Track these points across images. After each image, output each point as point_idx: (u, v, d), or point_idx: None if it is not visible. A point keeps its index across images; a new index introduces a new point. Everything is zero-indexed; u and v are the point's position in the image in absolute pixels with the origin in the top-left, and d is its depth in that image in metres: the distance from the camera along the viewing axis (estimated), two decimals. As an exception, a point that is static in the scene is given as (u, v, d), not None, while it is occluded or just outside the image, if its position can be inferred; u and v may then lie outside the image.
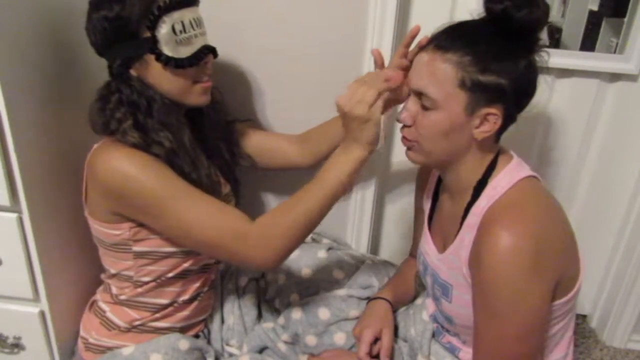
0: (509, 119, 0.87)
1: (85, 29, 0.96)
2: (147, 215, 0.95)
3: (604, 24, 1.25)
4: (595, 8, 1.24)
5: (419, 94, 0.87)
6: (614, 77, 1.31)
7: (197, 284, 1.10)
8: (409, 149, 0.93)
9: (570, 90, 1.33)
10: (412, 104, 0.90)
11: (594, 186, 1.44)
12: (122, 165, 0.91)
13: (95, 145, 0.99)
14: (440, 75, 0.84)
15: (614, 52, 1.27)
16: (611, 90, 1.33)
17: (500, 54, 0.83)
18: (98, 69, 1.07)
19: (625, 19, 1.24)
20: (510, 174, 0.90)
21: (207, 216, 0.94)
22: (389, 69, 0.98)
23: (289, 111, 1.39)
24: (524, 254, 0.80)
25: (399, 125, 0.94)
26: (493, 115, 0.85)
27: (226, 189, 1.16)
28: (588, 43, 1.27)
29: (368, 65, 1.30)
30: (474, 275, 0.88)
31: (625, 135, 1.36)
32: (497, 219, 0.85)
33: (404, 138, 0.93)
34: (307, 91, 1.36)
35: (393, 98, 0.96)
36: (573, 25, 1.26)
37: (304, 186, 0.94)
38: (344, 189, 0.93)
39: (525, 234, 0.81)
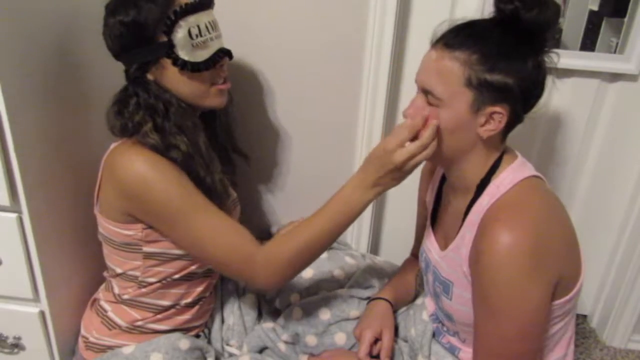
0: (515, 118, 0.87)
1: (102, 34, 0.96)
2: (161, 223, 0.96)
3: (604, 24, 1.25)
4: (595, 8, 1.24)
5: (426, 92, 0.87)
6: (614, 77, 1.31)
7: (200, 288, 1.10)
8: None
9: (570, 90, 1.33)
10: (419, 100, 0.89)
11: (594, 186, 1.44)
12: (145, 170, 0.92)
13: (114, 145, 0.99)
14: (447, 73, 0.84)
15: (614, 52, 1.27)
16: (611, 90, 1.33)
17: (509, 54, 0.83)
18: (99, 70, 1.07)
19: (625, 19, 1.24)
20: (513, 173, 0.90)
21: (220, 234, 0.95)
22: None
23: (290, 110, 1.39)
24: (523, 253, 0.80)
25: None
26: (498, 114, 0.85)
27: (233, 193, 1.16)
28: (588, 43, 1.27)
29: (368, 66, 1.30)
30: (474, 274, 0.88)
31: (625, 135, 1.36)
32: (497, 217, 0.85)
33: None
34: (308, 90, 1.36)
35: None
36: (573, 25, 1.26)
37: (313, 215, 0.96)
38: (350, 224, 0.95)
39: (525, 233, 0.81)
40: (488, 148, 0.90)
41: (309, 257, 0.97)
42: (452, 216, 0.99)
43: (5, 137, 0.91)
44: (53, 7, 1.01)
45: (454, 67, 0.83)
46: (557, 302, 0.88)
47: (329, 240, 0.96)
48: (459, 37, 0.85)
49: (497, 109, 0.84)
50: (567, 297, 0.89)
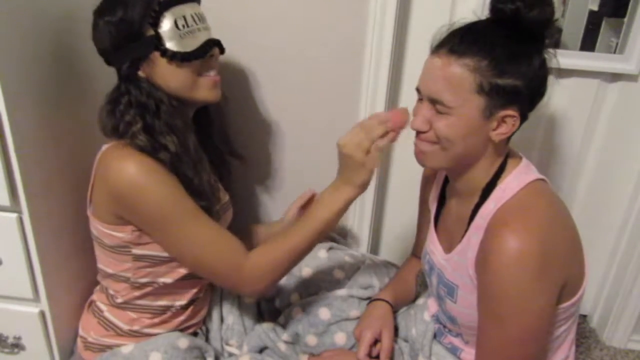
0: (522, 118, 0.87)
1: (92, 39, 0.97)
2: (151, 228, 0.96)
3: (604, 24, 1.25)
4: (595, 8, 1.24)
5: (433, 101, 0.86)
6: (614, 77, 1.31)
7: (194, 290, 1.10)
8: (423, 153, 0.91)
9: (570, 90, 1.32)
10: (426, 110, 0.88)
11: (594, 186, 1.44)
12: (137, 176, 0.92)
13: (105, 147, 0.99)
14: (456, 80, 0.82)
15: (614, 52, 1.27)
16: (611, 90, 1.33)
17: (516, 56, 0.83)
18: (98, 71, 1.07)
19: (625, 19, 1.24)
20: (519, 177, 0.89)
21: (209, 242, 0.97)
22: (393, 110, 0.94)
23: (290, 111, 1.39)
24: (530, 257, 0.80)
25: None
26: (511, 117, 0.84)
27: (225, 197, 1.17)
28: (588, 43, 1.27)
29: (368, 66, 1.30)
30: (480, 277, 0.88)
31: (625, 135, 1.36)
32: (504, 221, 0.84)
33: (422, 142, 0.90)
34: (308, 90, 1.36)
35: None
36: (573, 25, 1.26)
37: (294, 224, 1.00)
38: (331, 227, 0.98)
39: (532, 237, 0.81)
40: (496, 151, 0.90)
41: (292, 262, 1.01)
42: (456, 219, 0.99)
43: (5, 137, 0.92)
44: (53, 7, 1.01)
45: (464, 74, 0.82)
46: (562, 305, 0.88)
47: (312, 243, 1.00)
48: (464, 42, 0.83)
49: (509, 112, 0.84)
50: (572, 300, 0.89)
